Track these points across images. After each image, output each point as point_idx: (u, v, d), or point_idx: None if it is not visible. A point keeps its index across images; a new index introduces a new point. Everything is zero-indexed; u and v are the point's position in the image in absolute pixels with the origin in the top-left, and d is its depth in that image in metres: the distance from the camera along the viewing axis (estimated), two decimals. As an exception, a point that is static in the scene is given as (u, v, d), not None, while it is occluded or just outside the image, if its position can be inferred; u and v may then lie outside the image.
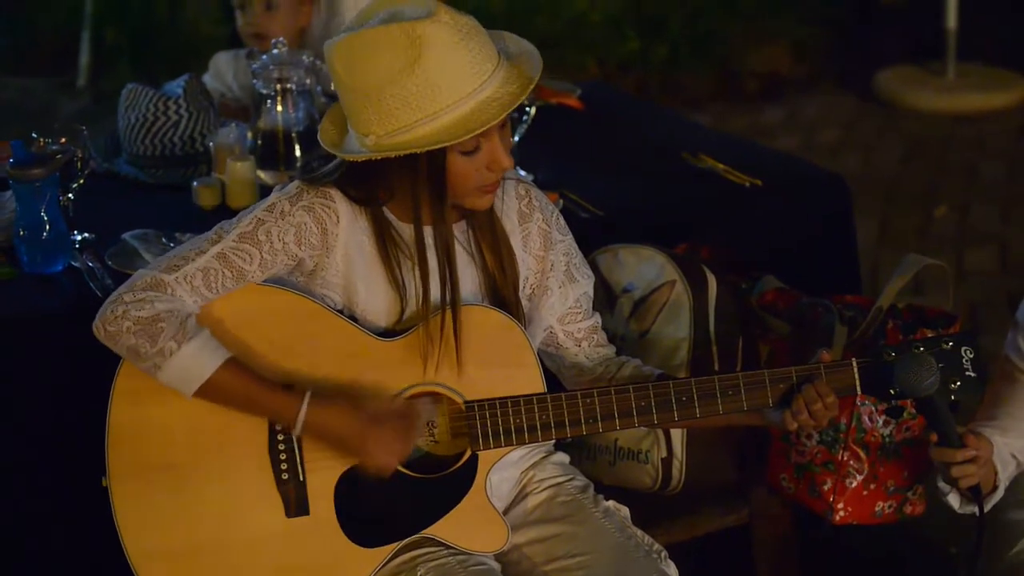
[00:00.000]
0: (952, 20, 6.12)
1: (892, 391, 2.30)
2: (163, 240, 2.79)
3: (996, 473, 2.45)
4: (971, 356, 2.31)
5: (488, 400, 2.28)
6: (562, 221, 2.45)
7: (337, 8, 3.61)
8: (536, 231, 2.40)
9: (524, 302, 2.39)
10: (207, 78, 3.65)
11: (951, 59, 6.17)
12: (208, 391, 2.20)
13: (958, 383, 2.31)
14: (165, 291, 2.21)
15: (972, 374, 2.31)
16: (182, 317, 2.20)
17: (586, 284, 2.46)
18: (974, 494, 2.42)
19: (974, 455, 2.37)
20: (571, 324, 2.45)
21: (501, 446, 2.29)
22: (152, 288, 2.21)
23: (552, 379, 2.47)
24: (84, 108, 6.02)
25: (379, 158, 2.18)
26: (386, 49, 2.14)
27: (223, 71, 3.64)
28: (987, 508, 2.44)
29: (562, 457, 2.52)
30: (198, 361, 2.19)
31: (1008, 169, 5.49)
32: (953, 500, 2.47)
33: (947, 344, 2.31)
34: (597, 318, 2.49)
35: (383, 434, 2.22)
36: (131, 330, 2.18)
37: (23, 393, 2.60)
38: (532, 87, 2.20)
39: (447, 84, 2.14)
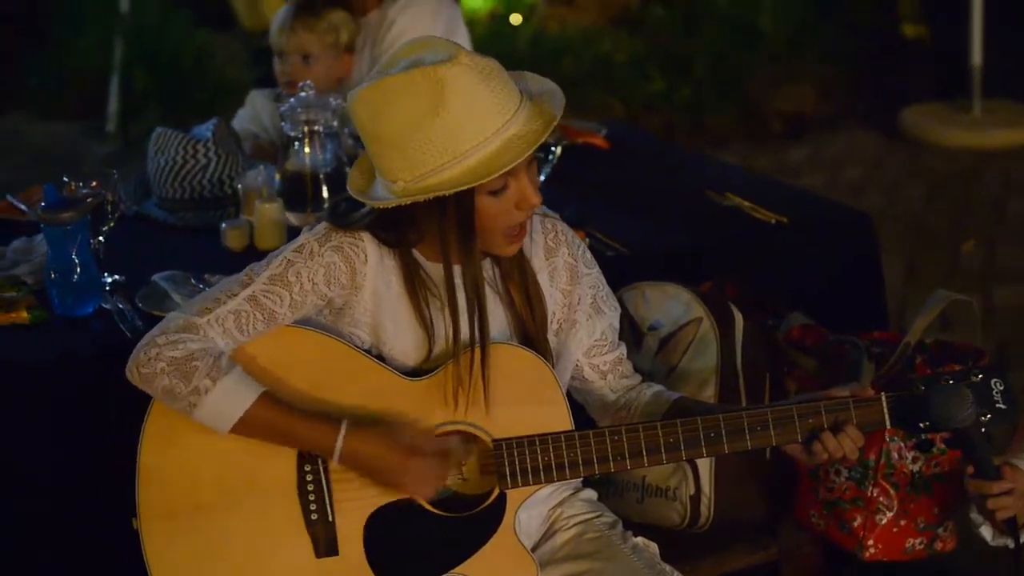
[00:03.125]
0: (977, 56, 6.12)
1: (922, 424, 2.29)
2: (192, 282, 2.80)
3: (1030, 506, 2.44)
4: (1001, 388, 2.31)
5: (516, 438, 2.28)
6: (588, 254, 2.46)
7: (380, 59, 3.63)
8: (562, 265, 2.41)
9: (551, 338, 2.40)
10: (243, 118, 3.67)
11: (977, 95, 6.17)
12: (244, 426, 2.22)
13: (988, 415, 2.31)
14: (197, 333, 2.23)
15: (1003, 406, 2.31)
16: (215, 354, 2.22)
17: (612, 316, 2.47)
18: (1009, 527, 2.41)
19: (1011, 487, 2.36)
20: (596, 357, 2.46)
21: (529, 484, 2.29)
22: (184, 330, 2.23)
23: (578, 410, 2.47)
24: (113, 152, 6.08)
25: (408, 203, 2.19)
26: (409, 95, 2.16)
27: (259, 110, 3.65)
28: (1022, 540, 2.43)
29: (590, 494, 2.52)
30: (233, 397, 2.20)
31: (1035, 205, 5.48)
32: (986, 532, 2.46)
33: (976, 376, 2.31)
34: (623, 349, 2.49)
35: (419, 465, 2.24)
36: (165, 371, 2.20)
37: (55, 435, 2.61)
38: (555, 124, 2.21)
39: (471, 125, 2.16)
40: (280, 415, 2.23)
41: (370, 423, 2.26)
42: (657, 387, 2.48)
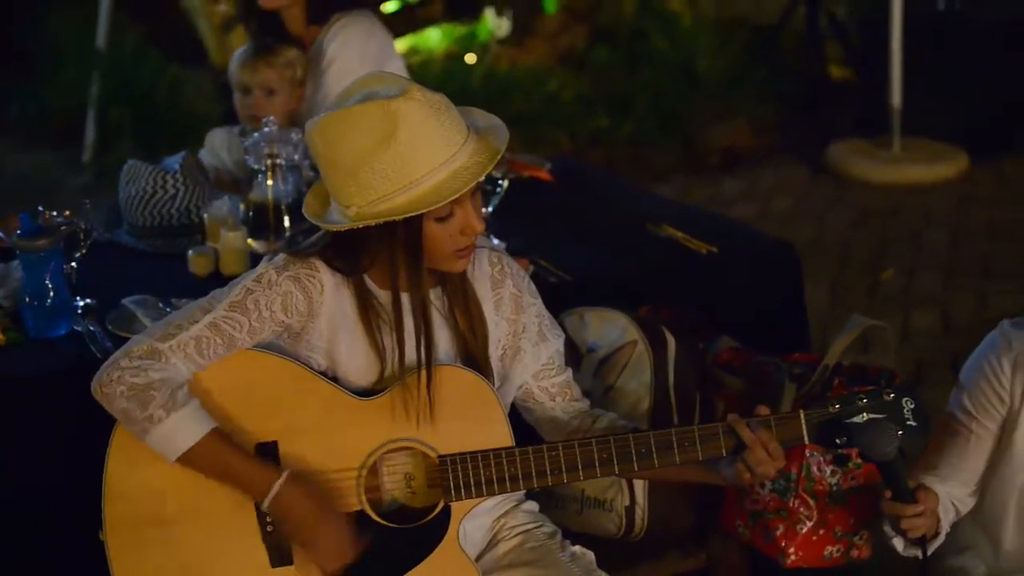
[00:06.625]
0: (897, 98, 6.19)
1: (838, 440, 2.32)
2: (160, 305, 2.80)
3: (939, 520, 2.48)
4: (911, 407, 2.34)
5: (460, 454, 2.29)
6: (532, 286, 2.48)
7: (318, 86, 3.64)
8: (508, 296, 2.43)
9: (496, 363, 2.41)
10: (203, 153, 3.68)
11: (896, 134, 6.23)
12: (189, 458, 2.22)
13: (900, 432, 2.33)
14: (160, 359, 2.23)
15: (913, 423, 2.33)
16: (174, 387, 2.22)
17: (557, 342, 2.49)
18: (919, 542, 2.45)
19: (923, 510, 2.40)
20: (545, 380, 2.47)
21: (472, 497, 2.30)
22: (148, 356, 2.23)
23: (532, 433, 2.48)
24: (89, 182, 6.04)
25: (360, 227, 2.21)
26: (363, 126, 2.17)
27: (217, 147, 3.66)
28: (929, 552, 2.47)
29: (532, 505, 2.53)
30: (183, 430, 2.20)
31: (950, 237, 5.54)
32: (898, 544, 2.49)
33: (888, 395, 2.34)
34: (569, 373, 2.51)
35: (336, 538, 2.24)
36: (124, 395, 2.20)
37: (28, 449, 2.60)
38: (500, 157, 2.23)
39: (420, 156, 2.18)
40: (224, 453, 2.23)
41: (317, 472, 2.27)
42: (611, 415, 2.49)
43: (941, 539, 2.49)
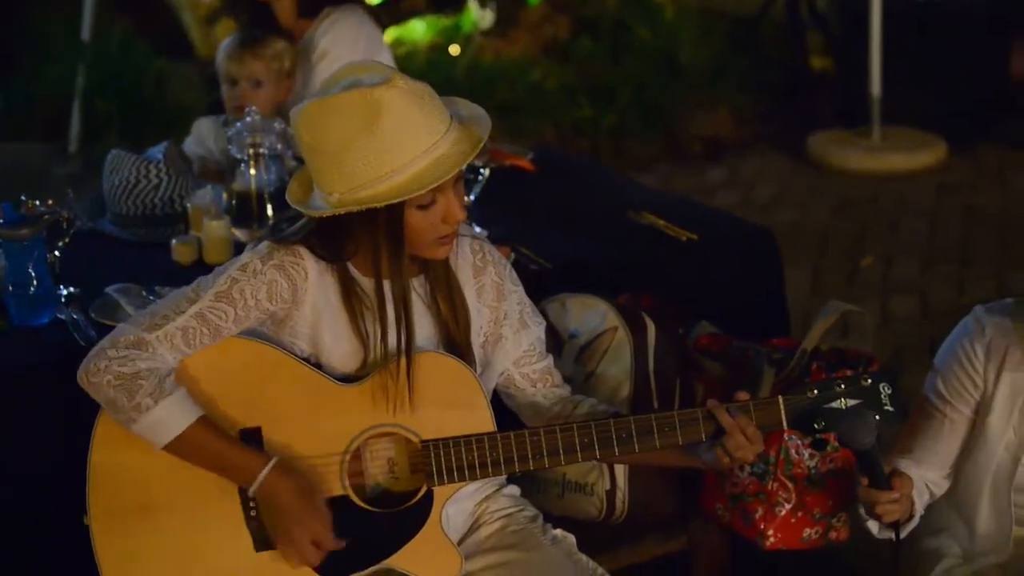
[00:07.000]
0: (876, 87, 6.20)
1: (816, 425, 2.32)
2: (144, 294, 2.79)
3: (913, 504, 2.48)
4: (888, 392, 2.34)
5: (443, 439, 2.29)
6: (514, 274, 2.48)
7: (308, 79, 3.63)
8: (490, 284, 2.42)
9: (478, 350, 2.41)
10: (189, 142, 3.66)
11: (876, 123, 6.24)
12: (177, 446, 2.21)
13: (877, 417, 2.34)
14: (147, 349, 2.22)
15: (890, 408, 2.34)
16: (161, 375, 2.21)
17: (538, 329, 2.48)
18: (893, 525, 2.46)
19: (898, 496, 2.40)
20: (526, 366, 2.47)
21: (455, 481, 2.30)
22: (135, 347, 2.22)
23: (514, 418, 2.48)
24: (75, 172, 6.02)
25: (342, 213, 2.20)
26: (347, 113, 2.16)
27: (204, 136, 3.65)
28: (903, 535, 2.48)
29: (513, 490, 2.53)
30: (170, 418, 2.20)
31: (928, 225, 5.55)
32: (872, 526, 2.50)
33: (866, 381, 2.34)
34: (550, 360, 2.51)
35: (316, 528, 2.23)
36: (111, 384, 2.19)
37: (12, 438, 2.59)
38: (481, 146, 2.23)
39: (403, 144, 2.17)
40: (212, 441, 2.22)
41: (303, 462, 2.26)
42: (591, 400, 2.48)
43: (915, 522, 2.50)
